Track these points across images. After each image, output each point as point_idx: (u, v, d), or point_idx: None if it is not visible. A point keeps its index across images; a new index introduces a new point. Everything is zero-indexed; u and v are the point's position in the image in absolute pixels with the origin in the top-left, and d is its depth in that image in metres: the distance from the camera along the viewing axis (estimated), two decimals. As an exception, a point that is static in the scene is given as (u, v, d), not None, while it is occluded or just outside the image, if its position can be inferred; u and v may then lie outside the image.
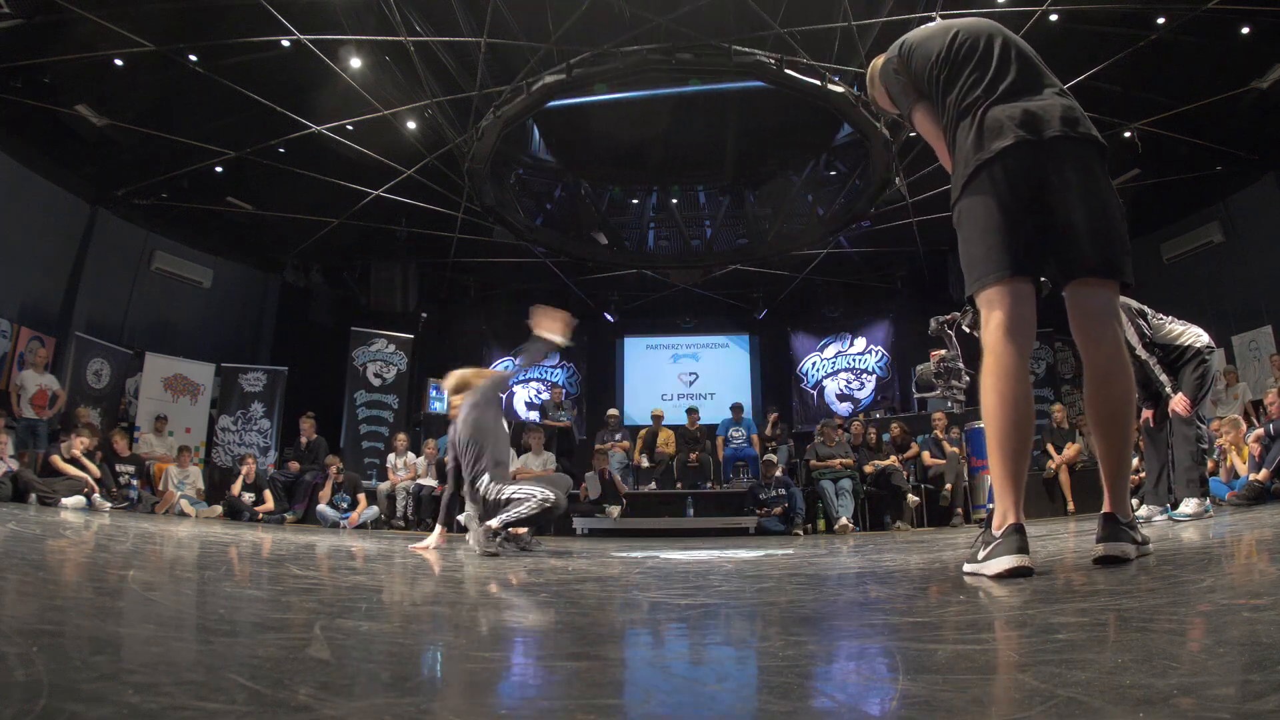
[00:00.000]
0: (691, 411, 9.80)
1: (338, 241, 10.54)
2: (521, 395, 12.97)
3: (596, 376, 13.30)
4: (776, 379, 13.14)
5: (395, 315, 10.84)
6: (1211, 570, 1.71)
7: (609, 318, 12.99)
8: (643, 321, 13.35)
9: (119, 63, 7.16)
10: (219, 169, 8.84)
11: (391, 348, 10.78)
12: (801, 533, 7.40)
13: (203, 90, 7.48)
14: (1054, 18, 6.66)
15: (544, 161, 10.34)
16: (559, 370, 13.13)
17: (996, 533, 1.69)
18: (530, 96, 7.37)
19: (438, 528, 3.96)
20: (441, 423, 8.73)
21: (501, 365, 11.98)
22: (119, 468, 7.80)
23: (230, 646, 0.98)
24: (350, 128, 8.29)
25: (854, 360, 12.73)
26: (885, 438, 8.64)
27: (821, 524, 7.88)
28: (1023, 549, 1.62)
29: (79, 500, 6.82)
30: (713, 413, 11.26)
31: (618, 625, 1.34)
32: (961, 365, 3.57)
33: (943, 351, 3.89)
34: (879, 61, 2.17)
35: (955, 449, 8.06)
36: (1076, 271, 1.77)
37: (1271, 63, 7.06)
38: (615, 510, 7.72)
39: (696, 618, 1.36)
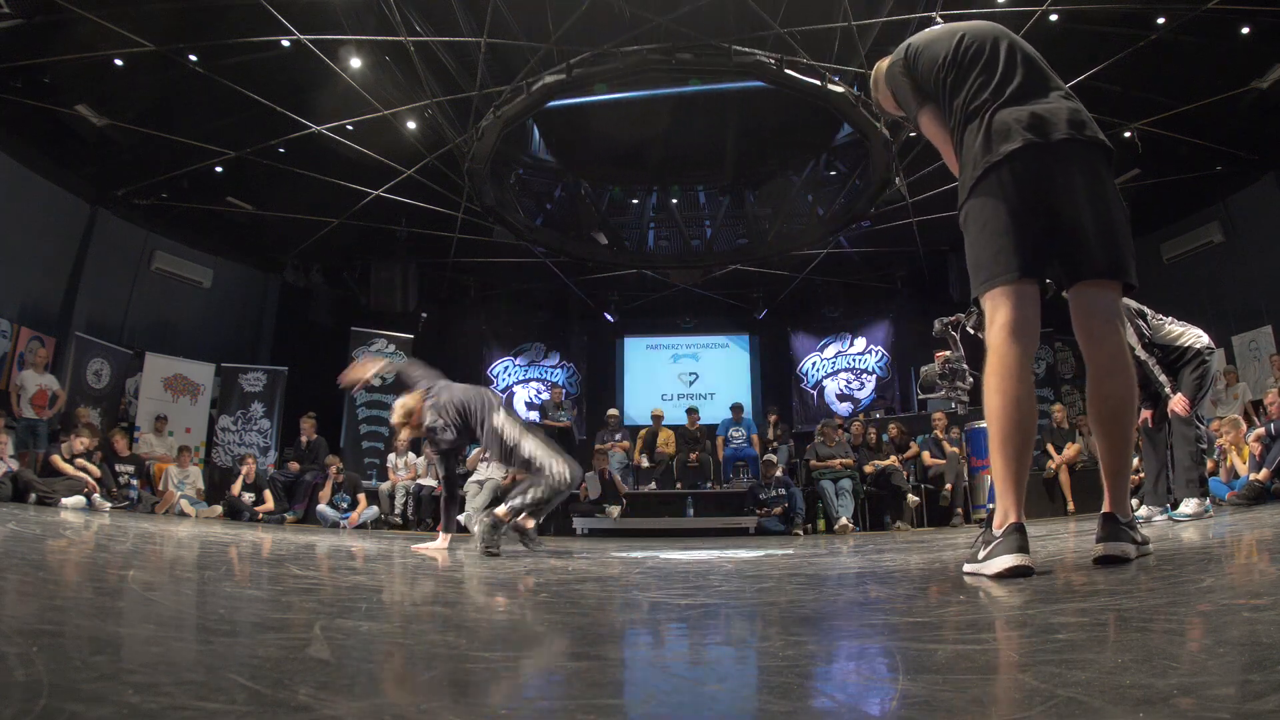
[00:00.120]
0: (691, 411, 9.81)
1: (338, 241, 10.54)
2: (521, 395, 12.97)
3: (596, 376, 13.30)
4: (776, 379, 13.14)
5: (395, 315, 10.85)
6: (1211, 570, 1.71)
7: (609, 318, 12.99)
8: (643, 321, 13.35)
9: (119, 63, 7.16)
10: (219, 169, 8.84)
11: (391, 348, 10.78)
12: (801, 533, 7.40)
13: (203, 90, 7.48)
14: (1054, 18, 6.66)
15: (544, 161, 10.34)
16: (559, 370, 13.14)
17: (997, 532, 1.69)
18: (530, 96, 7.37)
19: (442, 535, 3.96)
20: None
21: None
22: (119, 468, 7.80)
23: (230, 646, 0.98)
24: (350, 128, 8.29)
25: (854, 360, 12.73)
26: (885, 438, 8.64)
27: (821, 524, 7.88)
28: (1023, 548, 1.63)
29: (79, 500, 6.82)
30: (713, 413, 11.26)
31: (618, 625, 1.34)
32: (965, 366, 3.58)
33: (947, 353, 3.90)
34: (884, 64, 2.18)
35: (955, 449, 8.06)
36: (1082, 273, 1.79)
37: (1271, 63, 7.06)
38: (615, 510, 7.73)
39: (696, 618, 1.36)
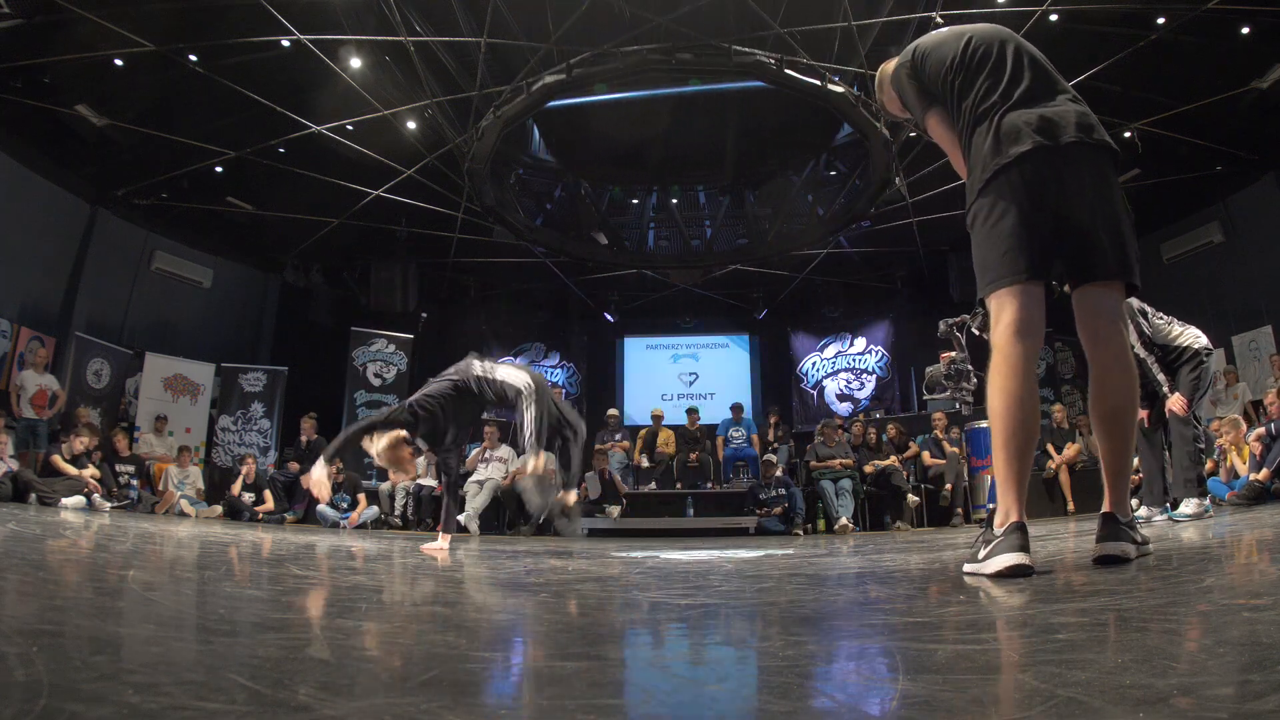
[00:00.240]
0: (691, 411, 9.80)
1: (338, 241, 10.55)
2: (521, 395, 12.95)
3: (596, 376, 13.30)
4: (776, 379, 13.14)
5: (395, 315, 10.85)
6: (1211, 570, 1.71)
7: (609, 318, 12.99)
8: (643, 321, 13.35)
9: (119, 63, 7.16)
10: (219, 169, 8.84)
11: (391, 348, 10.78)
12: (801, 533, 7.40)
13: (203, 90, 7.48)
14: (1054, 18, 6.66)
15: (544, 161, 10.34)
16: (559, 370, 13.13)
17: (998, 530, 1.70)
18: (530, 96, 7.37)
19: (441, 535, 3.97)
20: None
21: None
22: (119, 468, 7.80)
23: (230, 646, 0.98)
24: (350, 128, 8.29)
25: (854, 360, 12.73)
26: (884, 438, 8.65)
27: (821, 524, 7.88)
28: (1024, 547, 1.64)
29: (79, 500, 6.82)
30: (713, 413, 11.25)
31: (618, 625, 1.34)
32: (970, 367, 3.58)
33: (952, 354, 3.91)
34: (889, 66, 2.18)
35: (955, 449, 8.06)
36: (1088, 275, 1.81)
37: (1271, 63, 7.06)
38: (615, 510, 7.73)
39: (696, 618, 1.36)
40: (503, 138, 8.01)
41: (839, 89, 7.29)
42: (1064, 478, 7.59)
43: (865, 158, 8.79)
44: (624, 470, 8.87)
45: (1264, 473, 5.63)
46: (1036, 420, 1.78)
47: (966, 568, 1.79)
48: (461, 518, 7.09)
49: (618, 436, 9.53)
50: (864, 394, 12.50)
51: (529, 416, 3.69)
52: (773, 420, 10.34)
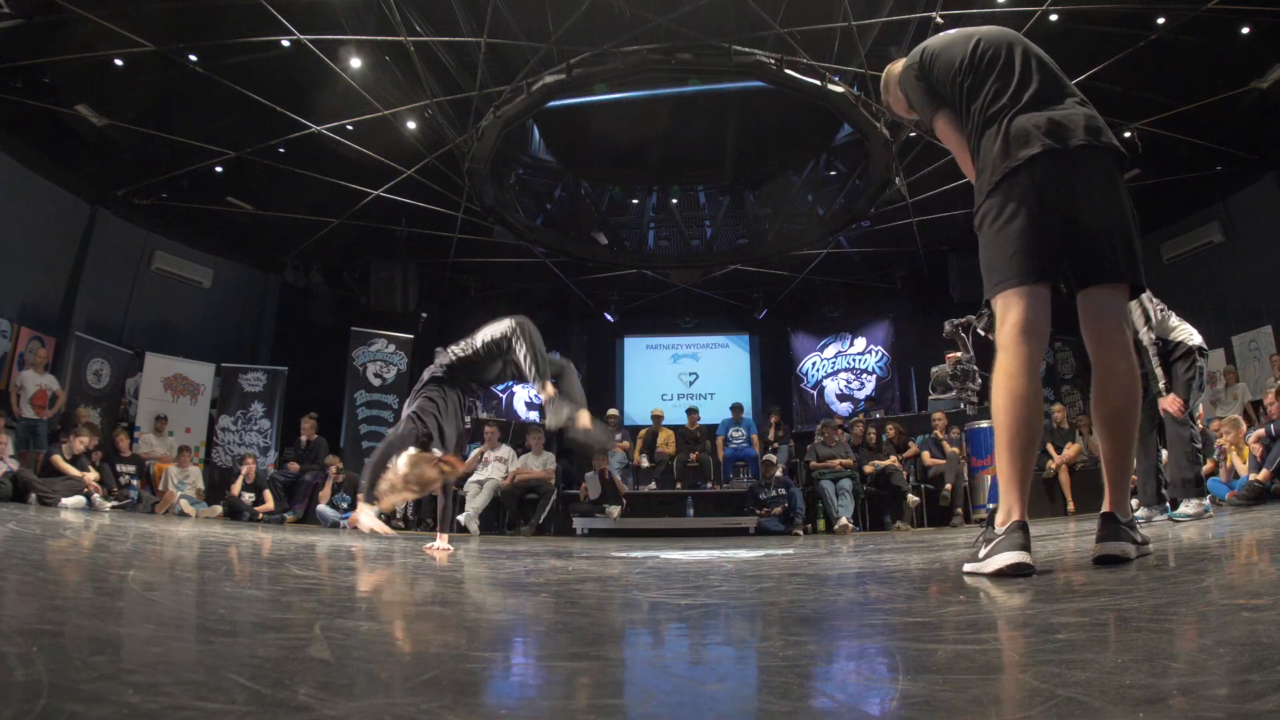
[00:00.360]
0: (691, 411, 9.81)
1: (338, 241, 10.54)
2: (521, 395, 12.96)
3: (596, 376, 13.28)
4: (776, 379, 13.13)
5: (395, 315, 10.84)
6: (1211, 570, 1.71)
7: (609, 318, 12.99)
8: (643, 321, 13.34)
9: (119, 63, 7.15)
10: (219, 169, 8.84)
11: (391, 348, 10.78)
12: (801, 533, 7.40)
13: (203, 90, 7.48)
14: (1054, 18, 6.65)
15: (544, 161, 10.33)
16: (559, 370, 13.11)
17: (1000, 529, 1.71)
18: (530, 96, 7.37)
19: (441, 535, 3.96)
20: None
21: None
22: (119, 468, 7.80)
23: (230, 646, 0.98)
24: (350, 128, 8.28)
25: (854, 360, 12.73)
26: (884, 438, 8.65)
27: (821, 524, 7.88)
28: (1025, 546, 1.64)
29: (79, 500, 6.82)
30: (713, 413, 11.25)
31: (618, 625, 1.34)
32: (975, 367, 3.59)
33: (958, 354, 3.92)
34: (896, 68, 2.19)
35: (955, 449, 8.06)
36: (1094, 277, 1.82)
37: (1271, 63, 7.06)
38: (615, 510, 7.73)
39: (696, 618, 1.36)
40: (503, 138, 8.01)
41: (839, 89, 7.29)
42: (1064, 478, 7.59)
43: (865, 158, 8.79)
44: (624, 470, 8.87)
45: (1264, 473, 5.63)
46: (1040, 419, 1.79)
47: (967, 567, 1.79)
48: (461, 518, 7.10)
49: (618, 436, 9.53)
50: (864, 394, 12.50)
51: (521, 354, 3.74)
52: (773, 420, 10.34)
